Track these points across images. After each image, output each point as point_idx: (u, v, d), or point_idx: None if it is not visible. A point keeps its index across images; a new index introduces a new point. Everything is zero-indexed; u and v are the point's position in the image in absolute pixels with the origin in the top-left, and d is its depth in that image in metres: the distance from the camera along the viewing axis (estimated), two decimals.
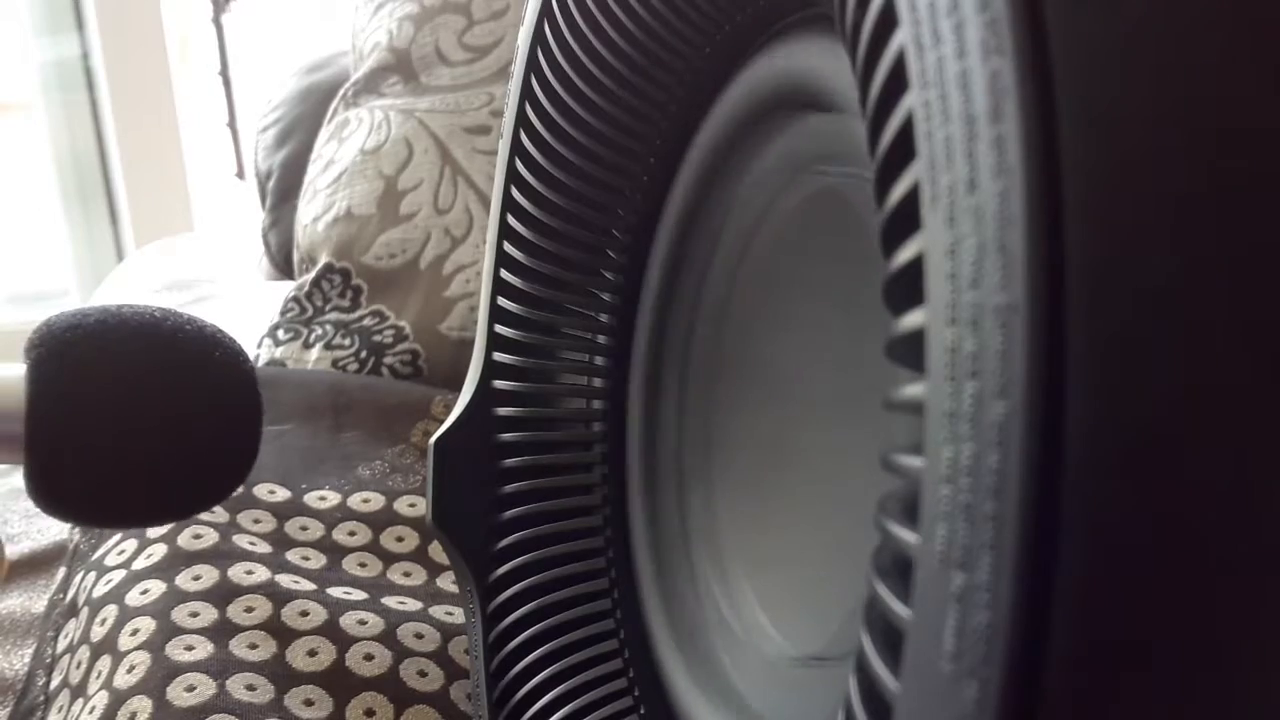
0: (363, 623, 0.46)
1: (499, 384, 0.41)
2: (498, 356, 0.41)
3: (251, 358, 0.74)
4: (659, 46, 0.36)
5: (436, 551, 0.52)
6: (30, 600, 0.54)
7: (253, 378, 0.28)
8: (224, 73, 1.69)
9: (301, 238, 0.82)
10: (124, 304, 0.27)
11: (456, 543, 0.41)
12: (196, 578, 0.47)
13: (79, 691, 0.45)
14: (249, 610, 0.45)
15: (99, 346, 0.25)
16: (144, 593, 0.46)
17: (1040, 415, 0.15)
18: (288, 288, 0.79)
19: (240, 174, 1.72)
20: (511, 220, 0.40)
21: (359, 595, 0.48)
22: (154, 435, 0.26)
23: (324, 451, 0.58)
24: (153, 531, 0.49)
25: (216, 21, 1.68)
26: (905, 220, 0.18)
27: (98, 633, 0.46)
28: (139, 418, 0.26)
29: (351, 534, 0.52)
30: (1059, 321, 0.15)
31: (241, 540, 0.50)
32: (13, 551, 0.59)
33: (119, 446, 0.26)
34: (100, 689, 0.43)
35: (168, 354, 0.26)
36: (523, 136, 0.39)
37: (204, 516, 0.50)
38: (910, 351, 0.18)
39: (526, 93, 0.39)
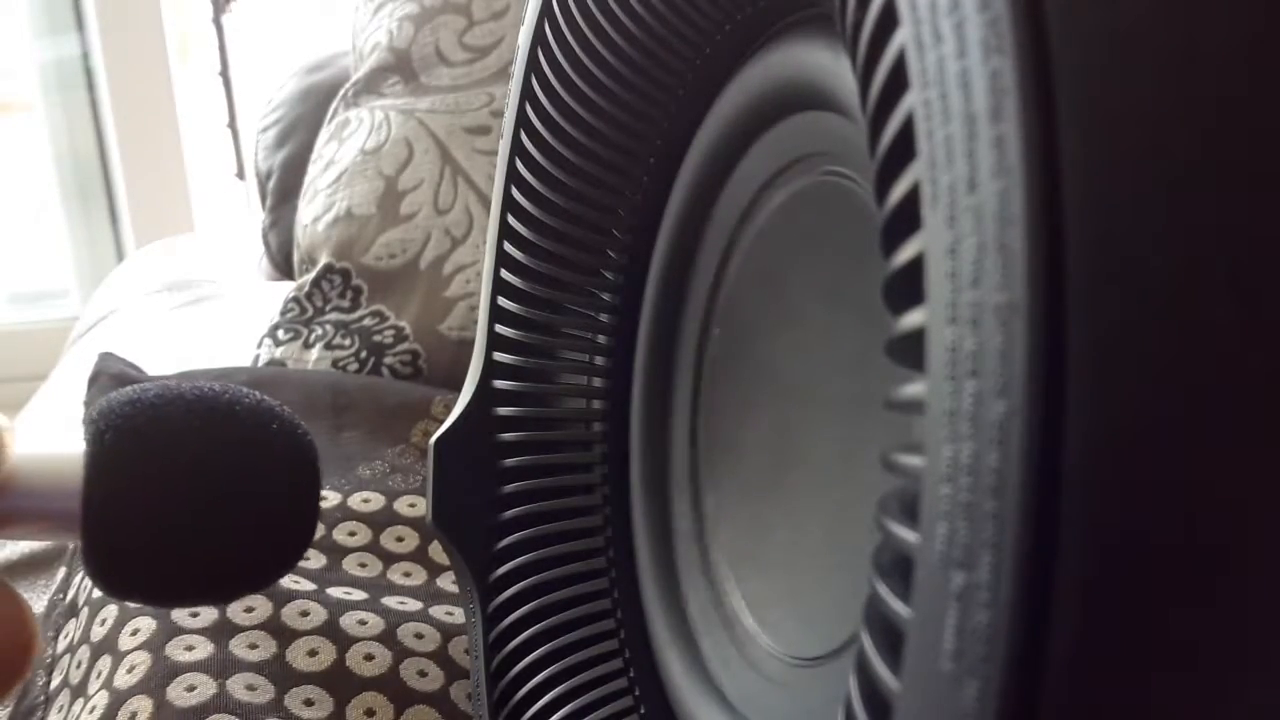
0: (363, 623, 0.46)
1: (499, 384, 0.41)
2: (498, 356, 0.41)
3: (252, 358, 0.75)
4: (659, 47, 0.36)
5: (436, 551, 0.52)
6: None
7: (312, 448, 0.27)
8: (224, 73, 1.69)
9: (301, 238, 0.82)
10: (182, 381, 0.27)
11: (456, 543, 0.41)
12: None
13: (79, 691, 0.45)
14: (249, 610, 0.45)
15: (155, 421, 0.25)
16: None
17: (1040, 414, 0.15)
18: (288, 288, 0.79)
19: (240, 174, 1.72)
20: (511, 220, 0.40)
21: (359, 595, 0.48)
22: (212, 511, 0.26)
23: (324, 451, 0.57)
24: None
25: (216, 21, 1.68)
26: (906, 219, 0.18)
27: (98, 633, 0.46)
28: (196, 494, 0.26)
29: (351, 534, 0.52)
30: (1059, 320, 0.15)
31: None
32: (13, 551, 0.59)
33: (177, 524, 0.25)
34: (100, 689, 0.43)
35: (225, 427, 0.26)
36: (523, 136, 0.39)
37: None
38: (910, 350, 0.18)
39: (527, 93, 0.39)
